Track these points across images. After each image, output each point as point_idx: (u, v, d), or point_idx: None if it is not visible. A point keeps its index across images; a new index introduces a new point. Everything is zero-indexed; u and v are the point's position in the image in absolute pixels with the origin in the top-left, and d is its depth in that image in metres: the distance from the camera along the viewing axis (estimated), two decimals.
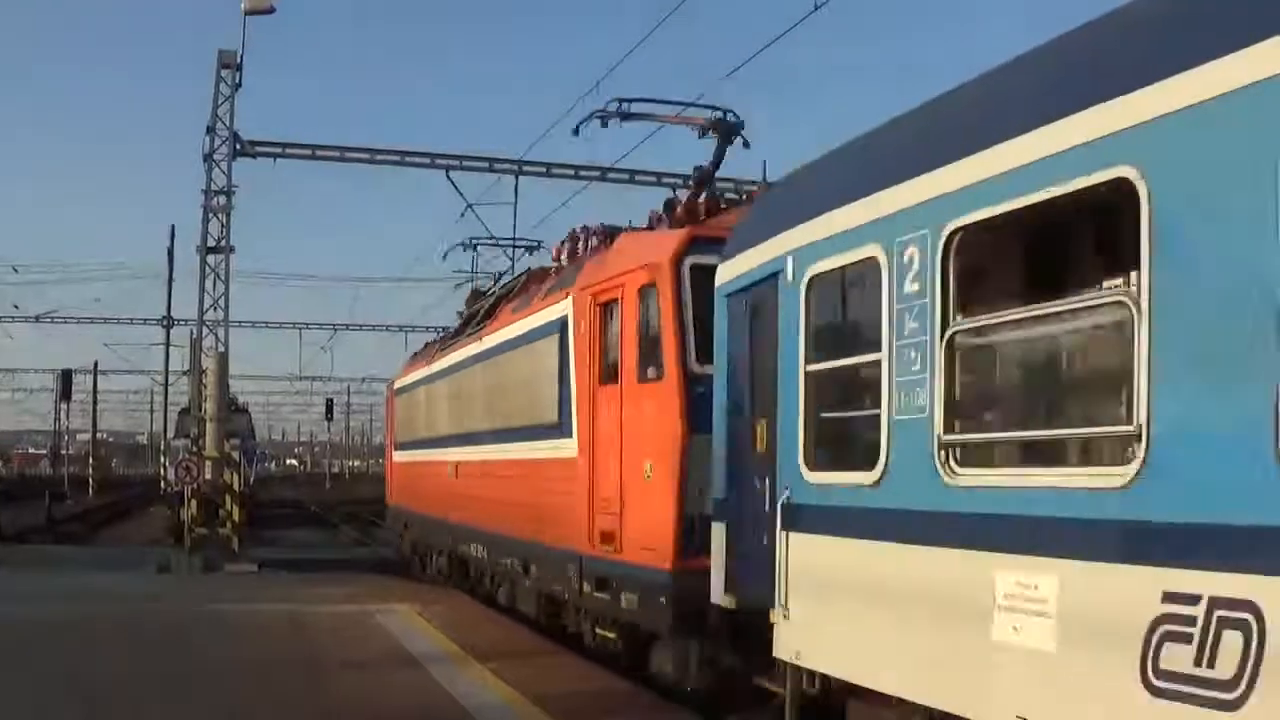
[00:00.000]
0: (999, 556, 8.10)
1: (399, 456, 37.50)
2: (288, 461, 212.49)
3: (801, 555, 11.07)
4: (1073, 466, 8.22)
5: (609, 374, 17.24)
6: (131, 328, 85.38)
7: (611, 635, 17.15)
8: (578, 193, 41.98)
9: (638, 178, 40.32)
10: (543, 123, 71.44)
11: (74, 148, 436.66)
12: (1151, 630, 6.60)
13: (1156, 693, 6.55)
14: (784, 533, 11.23)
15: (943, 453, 8.68)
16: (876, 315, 9.59)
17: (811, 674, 11.01)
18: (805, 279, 11.03)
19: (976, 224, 8.45)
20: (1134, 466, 6.78)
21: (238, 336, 79.12)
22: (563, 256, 22.11)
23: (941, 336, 8.65)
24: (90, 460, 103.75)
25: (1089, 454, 8.26)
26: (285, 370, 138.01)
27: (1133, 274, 7.24)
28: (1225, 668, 6.13)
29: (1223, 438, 6.26)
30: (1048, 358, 9.19)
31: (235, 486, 34.98)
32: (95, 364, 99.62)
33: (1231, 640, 6.12)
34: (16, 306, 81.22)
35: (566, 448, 18.60)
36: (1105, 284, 8.44)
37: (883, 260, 9.52)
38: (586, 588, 17.34)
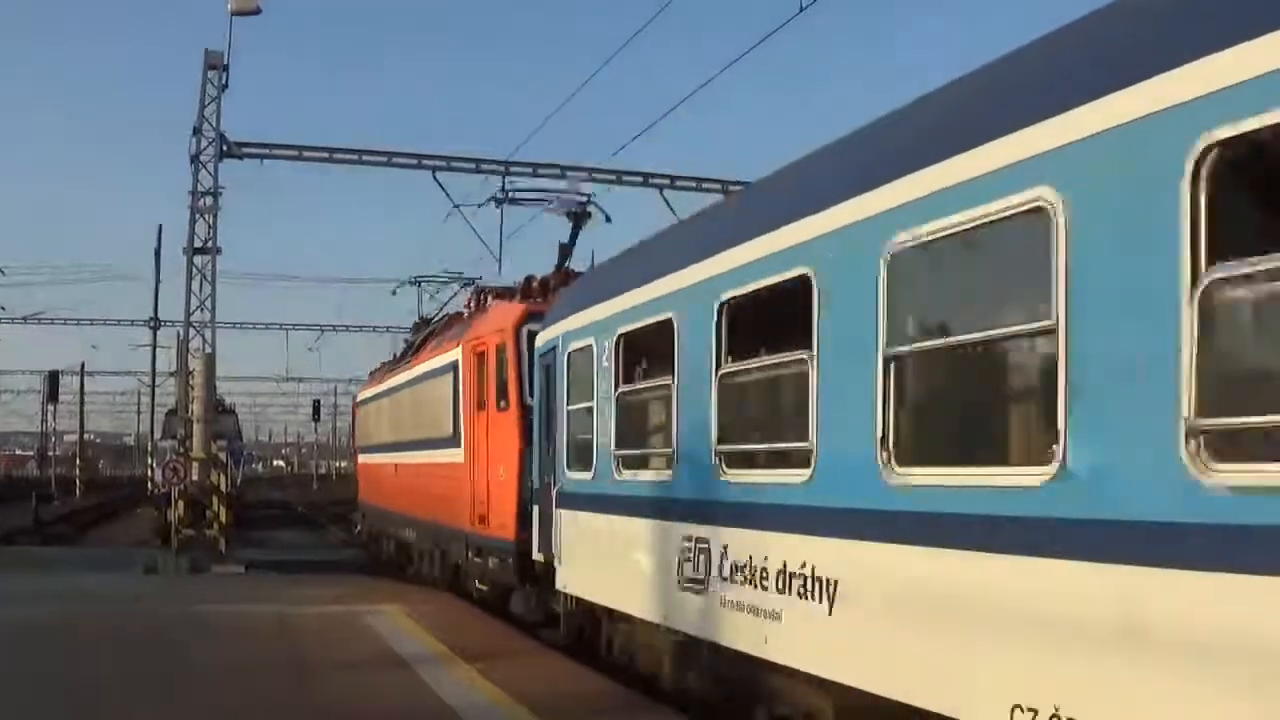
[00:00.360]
0: (643, 520, 14.71)
1: (361, 458, 46.05)
2: (275, 462, 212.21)
3: (565, 524, 18.03)
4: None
5: (480, 403, 24.20)
6: (118, 329, 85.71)
7: (485, 588, 24.25)
8: (563, 193, 41.92)
9: (624, 178, 40.34)
10: (531, 123, 71.52)
11: (61, 148, 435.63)
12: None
13: None
14: (558, 510, 18.28)
15: (615, 460, 15.75)
16: (600, 375, 16.25)
17: (576, 600, 18.14)
18: (568, 351, 17.81)
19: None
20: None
21: (224, 337, 79.23)
22: (471, 306, 29.79)
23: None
24: (77, 461, 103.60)
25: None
26: (272, 371, 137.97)
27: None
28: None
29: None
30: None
31: (222, 487, 34.94)
32: (82, 365, 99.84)
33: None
34: (3, 308, 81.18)
35: (457, 455, 25.88)
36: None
37: (605, 345, 16.04)
38: (470, 555, 24.88)
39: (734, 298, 12.23)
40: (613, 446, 15.67)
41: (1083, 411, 7.30)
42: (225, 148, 37.78)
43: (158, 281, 68.07)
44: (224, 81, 37.57)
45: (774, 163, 13.16)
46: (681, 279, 13.56)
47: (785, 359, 11.28)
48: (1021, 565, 7.80)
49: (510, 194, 29.30)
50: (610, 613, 16.88)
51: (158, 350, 71.58)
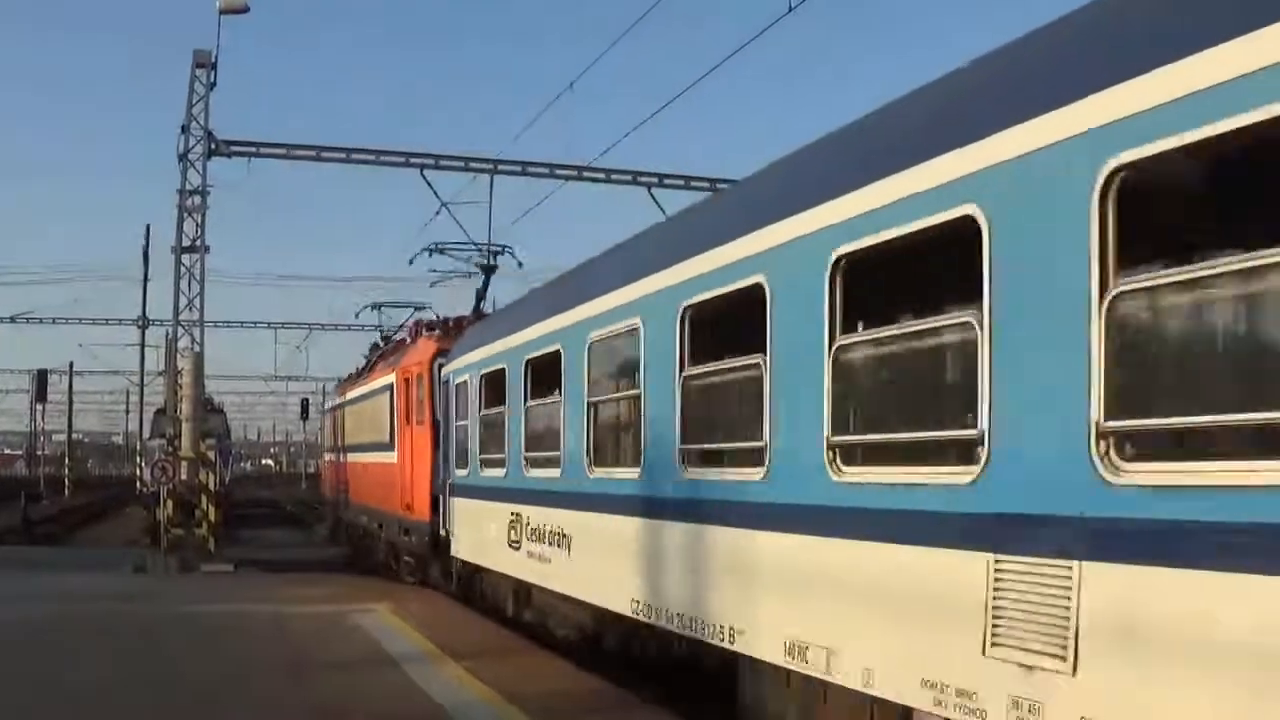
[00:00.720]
0: (492, 503, 21.31)
1: (326, 457, 57.66)
2: (263, 461, 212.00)
3: (454, 508, 25.05)
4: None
5: (407, 418, 31.15)
6: (107, 328, 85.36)
7: (411, 560, 30.85)
8: (553, 192, 42.05)
9: (613, 176, 40.37)
10: (519, 121, 71.55)
11: (49, 145, 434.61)
12: None
13: None
14: (450, 498, 25.39)
15: (479, 462, 22.47)
16: (471, 401, 22.96)
17: (463, 562, 24.90)
18: (454, 383, 24.81)
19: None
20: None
21: (213, 337, 79.05)
22: (409, 337, 36.05)
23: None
24: (66, 461, 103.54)
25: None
26: (261, 370, 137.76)
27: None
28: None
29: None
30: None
31: (211, 486, 34.97)
32: (70, 364, 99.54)
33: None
34: None
35: (392, 457, 32.88)
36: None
37: (474, 379, 22.91)
38: (400, 534, 31.60)
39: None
40: (478, 452, 22.62)
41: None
42: (213, 146, 37.70)
43: (146, 280, 67.97)
44: (212, 80, 37.54)
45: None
46: (528, 334, 19.29)
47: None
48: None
49: (439, 245, 35.13)
50: (483, 572, 23.68)
51: (146, 349, 71.50)
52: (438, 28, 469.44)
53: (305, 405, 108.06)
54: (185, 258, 37.72)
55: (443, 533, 26.15)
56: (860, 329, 9.89)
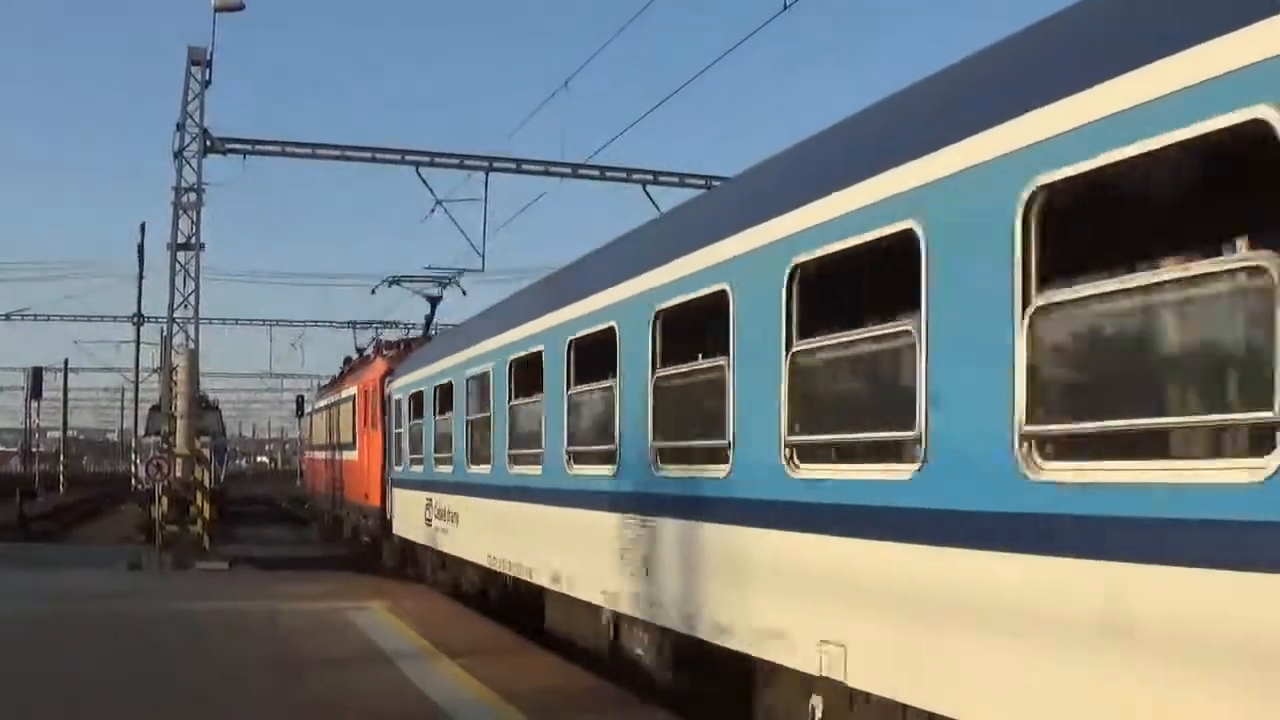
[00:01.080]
0: (418, 491, 28.46)
1: (306, 455, 68.21)
2: (258, 459, 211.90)
3: (395, 496, 31.90)
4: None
5: (366, 423, 37.79)
6: (102, 325, 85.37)
7: (369, 539, 37.68)
8: (547, 191, 42.18)
9: (608, 174, 40.41)
10: (514, 119, 71.53)
11: (44, 143, 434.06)
12: None
13: None
14: (392, 488, 32.20)
15: (408, 460, 30.12)
16: (404, 413, 30.26)
17: (400, 538, 31.49)
18: (395, 399, 31.66)
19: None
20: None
21: (208, 334, 79.01)
22: (372, 354, 42.27)
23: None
24: (61, 458, 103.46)
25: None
26: (256, 367, 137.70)
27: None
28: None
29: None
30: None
31: (206, 483, 34.96)
32: (66, 362, 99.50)
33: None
34: None
35: (355, 455, 40.44)
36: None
37: (404, 397, 30.32)
38: (362, 519, 39.00)
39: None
40: (407, 452, 30.01)
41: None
42: (209, 143, 37.73)
43: (141, 278, 68.01)
44: (207, 77, 37.55)
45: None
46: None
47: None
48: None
49: (397, 277, 41.44)
50: (413, 544, 30.24)
51: (142, 346, 71.49)
52: (434, 25, 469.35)
53: (300, 402, 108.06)
54: (180, 255, 37.72)
55: (388, 516, 33.11)
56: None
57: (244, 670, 16.51)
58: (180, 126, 37.64)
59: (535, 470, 17.80)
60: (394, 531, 32.21)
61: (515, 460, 19.32)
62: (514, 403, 19.41)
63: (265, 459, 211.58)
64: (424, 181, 39.37)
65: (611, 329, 14.67)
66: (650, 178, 40.68)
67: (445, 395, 24.82)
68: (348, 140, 40.84)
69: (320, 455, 54.04)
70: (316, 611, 22.73)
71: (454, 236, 41.29)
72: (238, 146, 38.36)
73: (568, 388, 16.35)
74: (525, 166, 40.10)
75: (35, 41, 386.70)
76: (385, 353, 38.55)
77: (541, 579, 18.03)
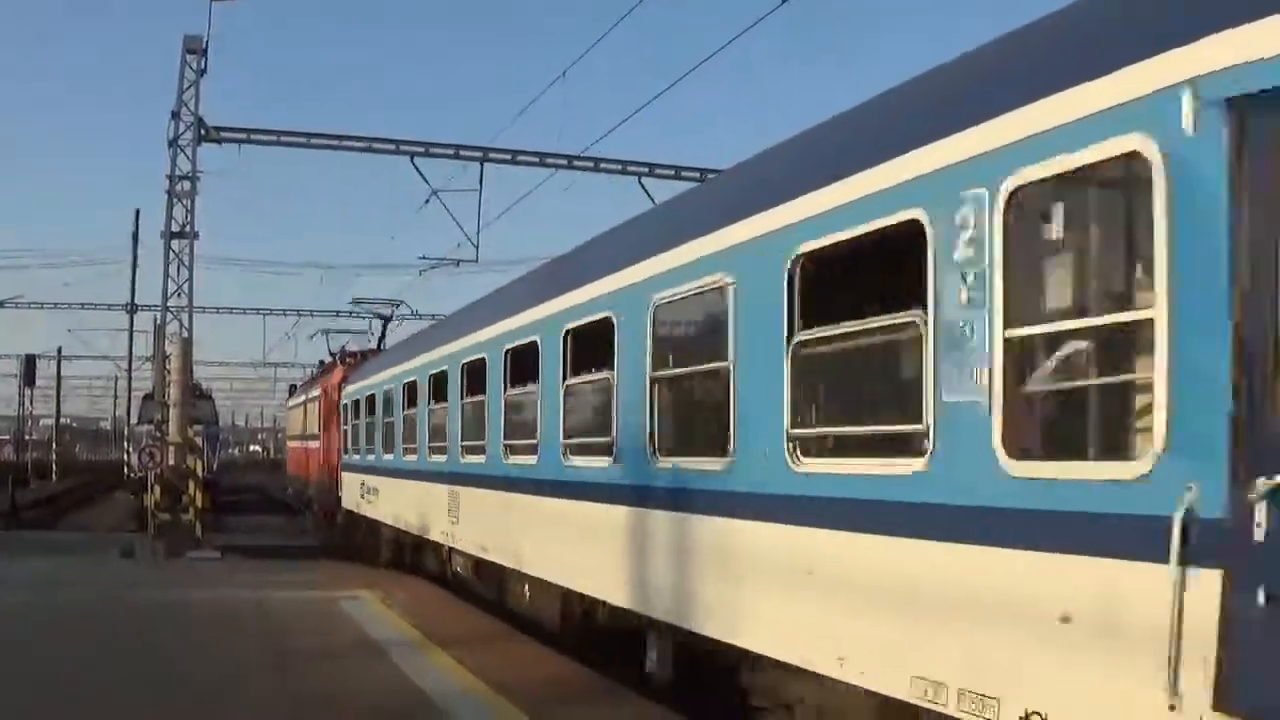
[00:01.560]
0: (359, 474, 35.99)
1: (289, 444, 70.34)
2: (251, 447, 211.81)
3: (343, 477, 39.26)
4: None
5: (327, 420, 44.96)
6: (96, 313, 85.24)
7: (325, 513, 44.15)
8: (544, 181, 42.12)
9: (603, 166, 40.38)
10: (511, 115, 71.52)
11: (38, 131, 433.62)
12: None
13: None
14: (342, 472, 39.52)
15: (351, 450, 37.90)
16: (354, 413, 37.17)
17: (346, 510, 38.72)
18: (344, 402, 39.78)
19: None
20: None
21: (202, 322, 78.90)
22: (337, 360, 47.80)
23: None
24: (54, 445, 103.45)
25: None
26: (249, 356, 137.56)
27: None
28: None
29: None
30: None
31: (198, 472, 34.98)
32: (59, 349, 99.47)
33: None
34: None
35: (318, 445, 48.30)
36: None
37: (353, 401, 37.59)
38: (323, 495, 44.87)
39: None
40: (350, 444, 37.91)
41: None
42: (204, 132, 37.68)
43: (135, 266, 67.92)
44: (203, 66, 37.51)
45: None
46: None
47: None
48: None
49: (359, 300, 55.46)
50: (352, 513, 37.35)
51: (135, 335, 71.45)
52: (432, 23, 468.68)
53: (293, 391, 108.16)
54: (175, 243, 37.70)
55: (339, 492, 40.24)
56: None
57: (236, 660, 16.50)
58: (175, 115, 37.60)
59: (441, 459, 24.12)
60: (343, 504, 39.52)
61: (408, 450, 27.84)
62: (431, 406, 25.57)
63: (258, 448, 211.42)
64: (419, 172, 39.38)
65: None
66: (646, 170, 40.62)
67: (374, 401, 32.97)
68: (343, 130, 40.82)
69: (296, 444, 62.99)
70: (308, 601, 22.76)
71: (449, 227, 41.57)
72: (232, 135, 38.26)
73: (462, 397, 22.41)
74: (520, 158, 40.03)
75: (32, 29, 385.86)
76: (345, 361, 45.65)
77: (435, 534, 25.09)
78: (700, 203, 14.74)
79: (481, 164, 39.47)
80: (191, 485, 34.52)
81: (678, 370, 13.26)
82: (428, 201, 40.47)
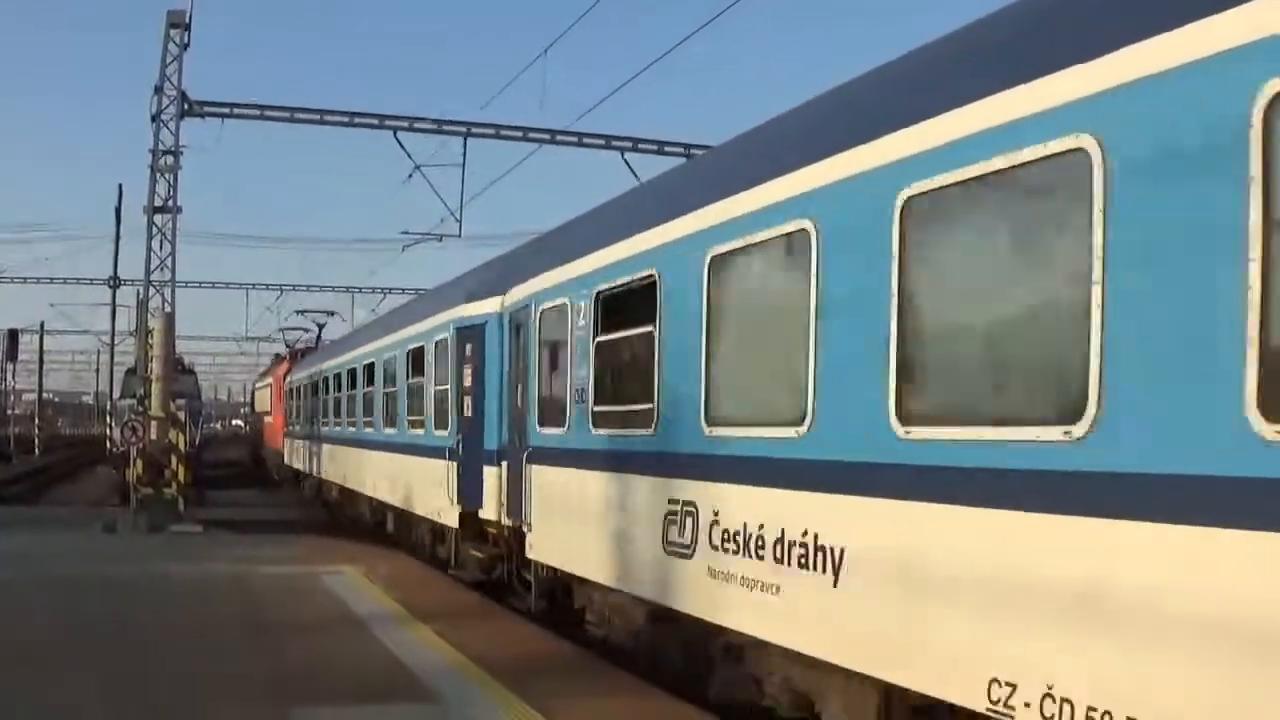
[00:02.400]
0: (304, 440, 50.63)
1: (255, 418, 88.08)
2: (233, 422, 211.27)
3: (288, 443, 56.74)
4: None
5: (279, 400, 61.47)
6: (78, 288, 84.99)
7: (277, 476, 62.64)
8: (528, 155, 42.12)
9: (586, 140, 40.34)
10: (494, 85, 71.41)
11: (19, 105, 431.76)
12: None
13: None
14: (285, 439, 57.74)
15: (294, 424, 55.30)
16: (301, 396, 51.96)
17: (292, 469, 55.74)
18: (290, 388, 56.69)
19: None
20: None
21: (184, 297, 78.79)
22: (289, 355, 65.16)
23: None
24: (36, 420, 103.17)
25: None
26: (232, 331, 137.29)
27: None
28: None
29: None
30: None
31: (181, 446, 34.92)
32: (41, 324, 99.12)
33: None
34: None
35: (272, 419, 67.13)
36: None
37: (299, 386, 53.35)
38: (274, 458, 63.84)
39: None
40: (296, 419, 52.50)
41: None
42: (187, 106, 37.57)
43: (118, 240, 67.66)
44: (186, 40, 37.37)
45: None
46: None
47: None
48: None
49: (303, 311, 70.18)
50: (299, 473, 51.67)
51: (117, 309, 71.26)
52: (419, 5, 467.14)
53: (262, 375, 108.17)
54: (157, 218, 37.63)
55: (285, 457, 56.95)
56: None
57: (217, 633, 16.57)
58: (158, 89, 37.47)
59: (391, 430, 30.68)
60: (285, 462, 57.51)
61: (348, 424, 37.56)
62: (351, 392, 36.86)
63: (240, 422, 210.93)
64: (402, 146, 39.36)
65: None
66: (629, 145, 40.57)
67: (305, 388, 49.62)
68: (327, 105, 40.76)
69: (261, 419, 78.37)
70: (290, 575, 22.77)
71: (432, 201, 42.01)
72: (215, 110, 38.17)
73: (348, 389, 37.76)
74: (504, 132, 40.01)
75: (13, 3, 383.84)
76: (290, 357, 63.71)
77: (380, 495, 32.30)
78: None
79: (465, 139, 39.47)
80: (174, 459, 34.47)
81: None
82: (410, 176, 40.55)
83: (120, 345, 72.47)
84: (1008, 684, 7.65)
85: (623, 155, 40.37)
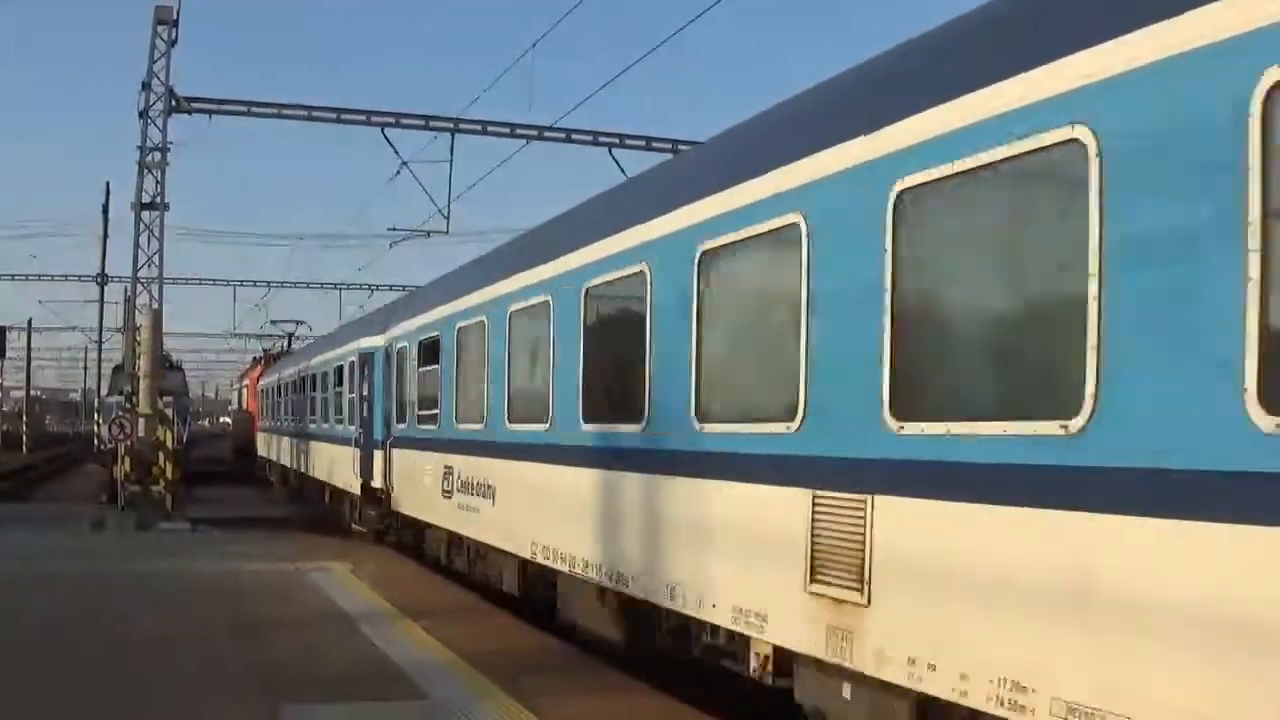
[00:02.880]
0: (271, 434, 59.78)
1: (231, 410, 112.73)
2: (221, 419, 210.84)
3: (259, 436, 67.71)
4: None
5: (252, 399, 76.80)
6: (66, 285, 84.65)
7: (247, 459, 71.15)
8: (516, 151, 42.08)
9: (574, 137, 40.34)
10: (481, 81, 71.36)
11: (8, 100, 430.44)
12: None
13: None
14: (258, 432, 68.48)
15: (266, 420, 64.34)
16: (269, 395, 61.67)
17: (263, 457, 64.46)
18: (259, 390, 68.52)
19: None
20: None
21: (172, 293, 78.74)
22: (260, 361, 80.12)
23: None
24: (24, 417, 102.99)
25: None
26: (220, 327, 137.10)
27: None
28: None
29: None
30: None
31: (169, 444, 34.88)
32: (29, 321, 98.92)
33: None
34: None
35: (243, 413, 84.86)
36: None
37: (271, 387, 61.03)
38: (251, 447, 70.21)
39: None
40: (268, 415, 60.71)
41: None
42: (174, 103, 37.50)
43: (105, 237, 67.69)
44: (173, 36, 37.30)
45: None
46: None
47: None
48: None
49: (275, 321, 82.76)
50: (264, 459, 61.87)
51: (105, 306, 71.19)
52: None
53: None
54: (145, 214, 37.58)
55: (256, 447, 66.48)
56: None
57: (206, 631, 16.59)
58: (146, 85, 37.40)
59: (325, 425, 37.65)
60: (258, 453, 65.09)
61: (299, 420, 45.19)
62: (310, 395, 41.74)
63: (228, 419, 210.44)
64: (389, 142, 39.34)
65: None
66: (616, 141, 40.56)
67: (273, 390, 57.45)
68: (314, 101, 40.68)
69: (243, 415, 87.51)
70: (278, 572, 22.80)
71: (420, 198, 41.69)
72: (203, 106, 38.09)
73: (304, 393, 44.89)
74: (491, 128, 40.00)
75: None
76: (264, 363, 74.31)
77: (318, 475, 39.52)
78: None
79: (452, 134, 39.43)
80: (162, 457, 34.44)
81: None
82: (398, 172, 40.60)
83: (108, 342, 72.36)
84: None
85: (610, 151, 40.38)
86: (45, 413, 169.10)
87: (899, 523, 8.68)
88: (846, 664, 9.12)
